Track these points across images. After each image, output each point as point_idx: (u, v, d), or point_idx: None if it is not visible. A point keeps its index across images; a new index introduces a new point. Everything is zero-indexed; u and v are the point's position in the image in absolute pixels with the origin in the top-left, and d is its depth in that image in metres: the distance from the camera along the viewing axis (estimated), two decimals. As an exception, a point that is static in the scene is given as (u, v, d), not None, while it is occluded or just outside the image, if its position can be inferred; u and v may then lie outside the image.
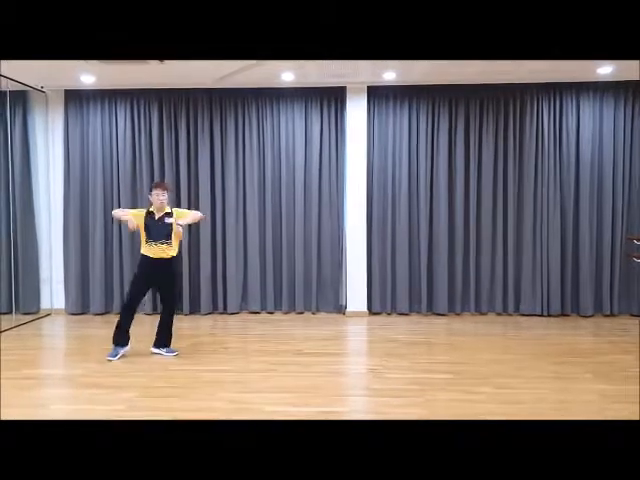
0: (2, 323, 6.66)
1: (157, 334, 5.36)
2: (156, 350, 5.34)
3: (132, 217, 5.09)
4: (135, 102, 7.18)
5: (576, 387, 4.37)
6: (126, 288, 7.21)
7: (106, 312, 7.32)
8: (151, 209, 5.19)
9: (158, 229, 5.15)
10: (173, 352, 5.32)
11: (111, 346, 5.20)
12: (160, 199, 5.15)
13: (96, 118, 7.23)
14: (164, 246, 5.14)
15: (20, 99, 7.11)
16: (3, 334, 6.31)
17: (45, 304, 7.40)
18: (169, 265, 5.22)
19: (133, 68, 6.07)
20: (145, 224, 5.13)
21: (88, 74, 6.43)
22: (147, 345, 5.36)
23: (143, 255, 5.18)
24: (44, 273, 7.38)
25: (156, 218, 5.17)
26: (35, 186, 7.33)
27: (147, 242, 5.14)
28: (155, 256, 5.14)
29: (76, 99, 7.20)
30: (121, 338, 5.21)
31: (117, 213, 5.34)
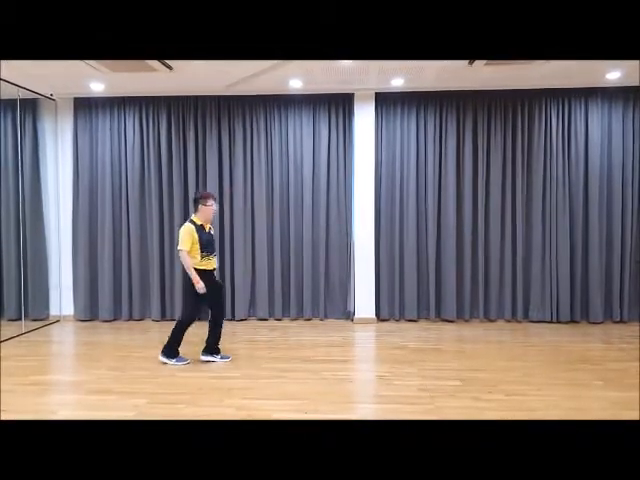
0: (12, 329, 6.69)
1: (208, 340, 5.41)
2: (206, 358, 5.37)
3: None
4: (144, 110, 7.22)
5: (587, 394, 4.33)
6: (135, 294, 7.28)
7: (114, 319, 7.34)
8: (198, 222, 5.12)
9: (210, 241, 5.21)
10: (227, 358, 5.40)
11: (166, 359, 5.23)
12: (215, 209, 5.24)
13: (105, 126, 7.27)
14: (215, 257, 5.27)
15: (30, 107, 7.16)
16: (13, 340, 6.33)
17: (54, 311, 7.43)
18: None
19: (142, 76, 6.11)
20: (200, 239, 5.07)
21: (97, 82, 6.48)
22: (155, 351, 5.35)
23: (202, 270, 5.08)
24: (53, 280, 7.41)
25: (206, 230, 5.19)
26: (44, 193, 7.37)
27: (204, 256, 5.11)
28: (211, 268, 5.22)
29: (85, 107, 7.25)
30: (176, 351, 5.25)
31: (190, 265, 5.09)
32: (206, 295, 5.10)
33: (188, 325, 5.21)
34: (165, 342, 5.24)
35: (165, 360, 5.21)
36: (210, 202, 5.16)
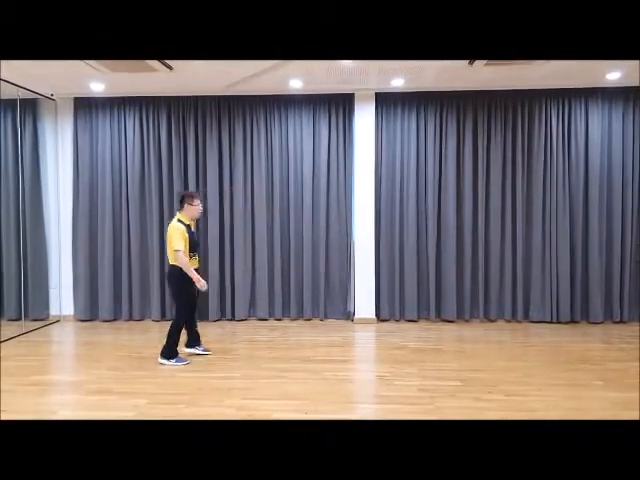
0: (12, 329, 6.70)
1: (190, 335, 5.51)
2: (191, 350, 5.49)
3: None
4: (144, 109, 7.22)
5: (587, 394, 4.33)
6: (135, 294, 7.28)
7: (114, 319, 7.33)
8: (187, 222, 5.15)
9: (197, 240, 5.28)
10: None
11: (166, 360, 5.23)
12: (200, 209, 5.29)
13: (105, 125, 7.27)
14: (198, 257, 5.34)
15: (30, 107, 7.16)
16: (13, 340, 6.33)
17: (54, 311, 7.43)
18: None
19: (142, 76, 6.11)
20: (190, 239, 5.11)
21: (97, 82, 6.48)
22: (153, 352, 5.36)
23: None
24: (53, 280, 7.41)
25: (192, 229, 5.22)
26: (45, 193, 7.37)
27: (191, 256, 5.14)
28: (196, 267, 5.24)
29: (85, 107, 7.25)
30: (175, 352, 5.26)
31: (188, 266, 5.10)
32: (197, 293, 5.24)
33: (184, 325, 5.28)
34: (163, 344, 5.25)
35: (165, 362, 5.21)
36: (197, 201, 5.21)
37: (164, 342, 5.23)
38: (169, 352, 5.21)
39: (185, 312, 5.25)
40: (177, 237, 5.00)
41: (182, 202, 5.19)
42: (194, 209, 5.18)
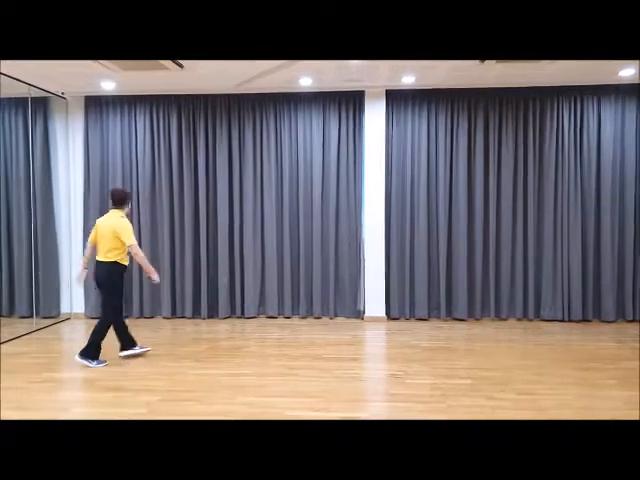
0: (23, 327, 6.74)
1: (125, 337, 5.36)
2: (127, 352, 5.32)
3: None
4: (154, 108, 7.23)
5: (600, 393, 4.30)
6: (145, 292, 7.31)
7: (125, 316, 7.27)
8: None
9: None
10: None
11: (86, 361, 5.08)
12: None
13: (116, 124, 7.30)
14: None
15: (41, 105, 7.20)
16: (24, 337, 6.37)
17: (65, 308, 7.47)
18: None
19: (153, 74, 6.11)
20: None
21: (108, 80, 6.49)
22: (165, 349, 5.38)
23: (123, 265, 5.14)
24: (64, 278, 7.44)
25: None
26: (55, 191, 7.40)
27: (128, 253, 5.16)
28: (127, 263, 5.25)
29: (96, 105, 7.28)
30: (98, 352, 5.15)
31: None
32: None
33: (115, 320, 5.21)
34: (87, 343, 5.12)
35: (84, 362, 5.07)
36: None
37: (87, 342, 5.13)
38: (92, 352, 5.09)
39: (115, 309, 5.19)
40: (130, 232, 5.05)
41: (126, 199, 5.23)
42: (129, 206, 5.33)
